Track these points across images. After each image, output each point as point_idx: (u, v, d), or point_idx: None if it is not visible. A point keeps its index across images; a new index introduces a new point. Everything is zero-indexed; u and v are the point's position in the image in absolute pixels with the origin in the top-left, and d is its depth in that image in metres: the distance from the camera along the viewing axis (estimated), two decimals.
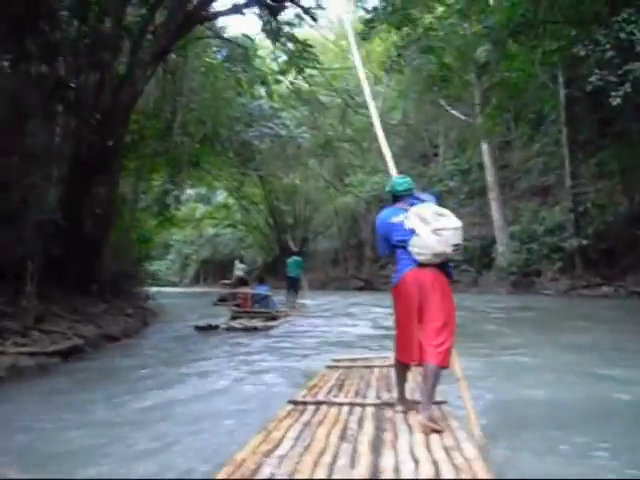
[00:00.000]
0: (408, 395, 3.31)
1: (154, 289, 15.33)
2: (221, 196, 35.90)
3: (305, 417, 3.07)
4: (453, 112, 23.55)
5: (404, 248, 3.03)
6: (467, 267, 22.62)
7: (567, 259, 18.43)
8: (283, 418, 3.06)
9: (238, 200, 33.57)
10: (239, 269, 15.99)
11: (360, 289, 26.12)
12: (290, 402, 3.43)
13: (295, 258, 13.56)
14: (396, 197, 3.28)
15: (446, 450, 2.44)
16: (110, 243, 10.41)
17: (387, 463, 2.30)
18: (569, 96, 18.09)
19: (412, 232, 2.99)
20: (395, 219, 3.13)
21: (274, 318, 10.10)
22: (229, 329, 9.02)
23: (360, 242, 30.36)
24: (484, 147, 22.37)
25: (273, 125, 20.10)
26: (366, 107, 29.99)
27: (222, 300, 16.46)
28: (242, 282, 12.99)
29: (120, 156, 10.01)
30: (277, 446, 2.52)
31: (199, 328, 9.04)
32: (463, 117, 23.35)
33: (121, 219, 11.73)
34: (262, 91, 21.61)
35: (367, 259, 28.84)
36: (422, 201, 3.18)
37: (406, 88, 23.24)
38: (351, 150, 29.15)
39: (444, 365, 2.88)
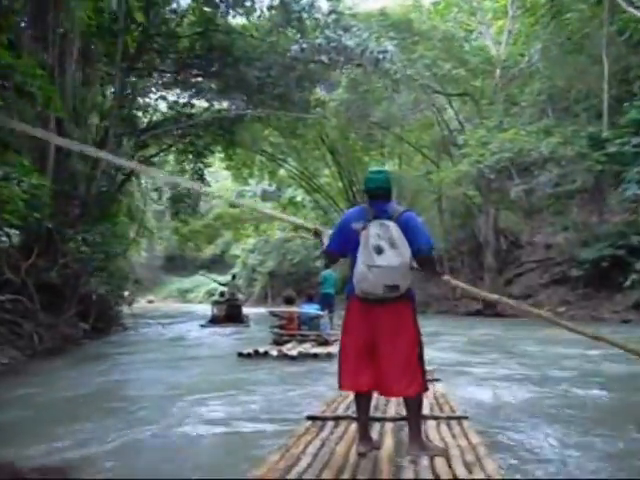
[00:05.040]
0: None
1: None
2: (295, 193, 28.52)
3: (324, 433, 3.04)
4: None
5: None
6: None
7: None
8: (302, 434, 3.01)
9: (310, 194, 25.89)
10: (232, 286, 15.31)
11: (476, 314, 17.84)
12: (309, 418, 3.38)
13: (330, 271, 11.33)
14: (371, 195, 2.72)
15: (467, 466, 2.43)
16: None
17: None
18: None
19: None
20: (355, 225, 2.62)
21: (326, 342, 8.55)
22: (280, 356, 7.59)
23: (476, 245, 20.59)
24: None
25: (334, 35, 12.61)
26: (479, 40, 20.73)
27: (213, 321, 14.65)
28: (288, 300, 11.05)
29: None
30: (295, 463, 2.50)
31: (242, 355, 7.70)
32: None
33: None
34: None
35: (488, 270, 18.93)
36: (393, 212, 2.60)
37: None
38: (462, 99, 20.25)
39: (420, 392, 2.70)
